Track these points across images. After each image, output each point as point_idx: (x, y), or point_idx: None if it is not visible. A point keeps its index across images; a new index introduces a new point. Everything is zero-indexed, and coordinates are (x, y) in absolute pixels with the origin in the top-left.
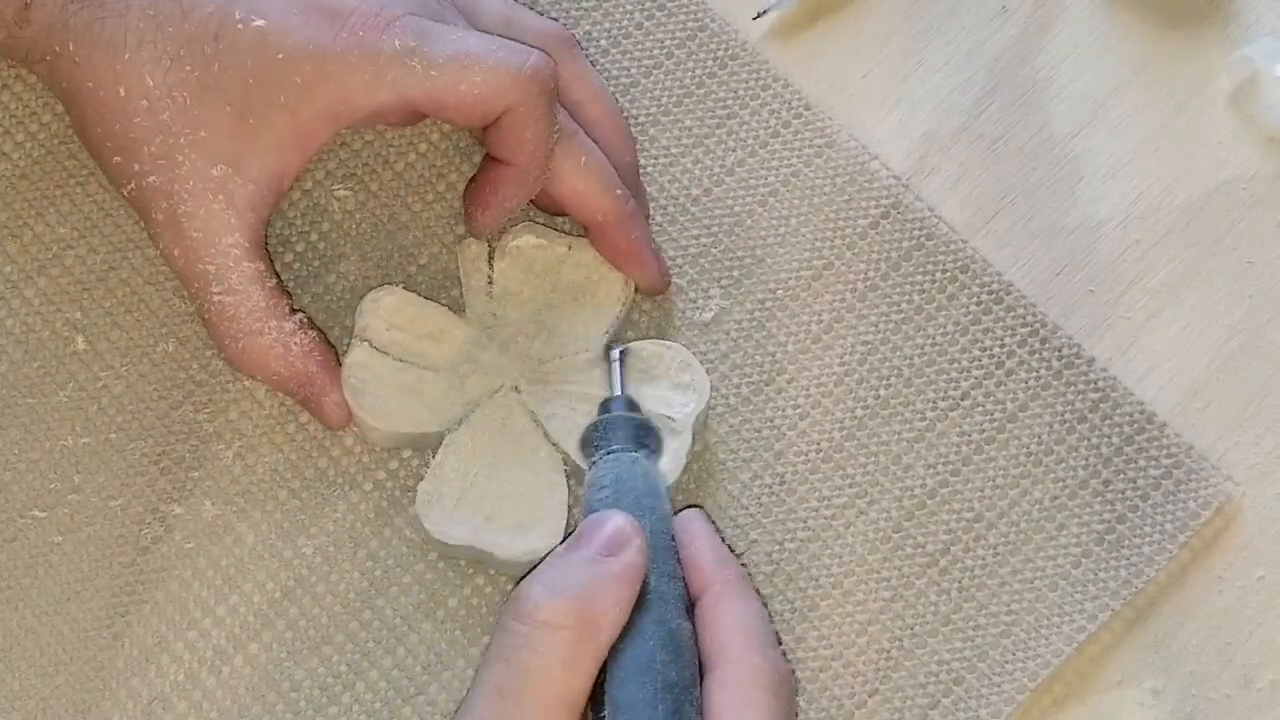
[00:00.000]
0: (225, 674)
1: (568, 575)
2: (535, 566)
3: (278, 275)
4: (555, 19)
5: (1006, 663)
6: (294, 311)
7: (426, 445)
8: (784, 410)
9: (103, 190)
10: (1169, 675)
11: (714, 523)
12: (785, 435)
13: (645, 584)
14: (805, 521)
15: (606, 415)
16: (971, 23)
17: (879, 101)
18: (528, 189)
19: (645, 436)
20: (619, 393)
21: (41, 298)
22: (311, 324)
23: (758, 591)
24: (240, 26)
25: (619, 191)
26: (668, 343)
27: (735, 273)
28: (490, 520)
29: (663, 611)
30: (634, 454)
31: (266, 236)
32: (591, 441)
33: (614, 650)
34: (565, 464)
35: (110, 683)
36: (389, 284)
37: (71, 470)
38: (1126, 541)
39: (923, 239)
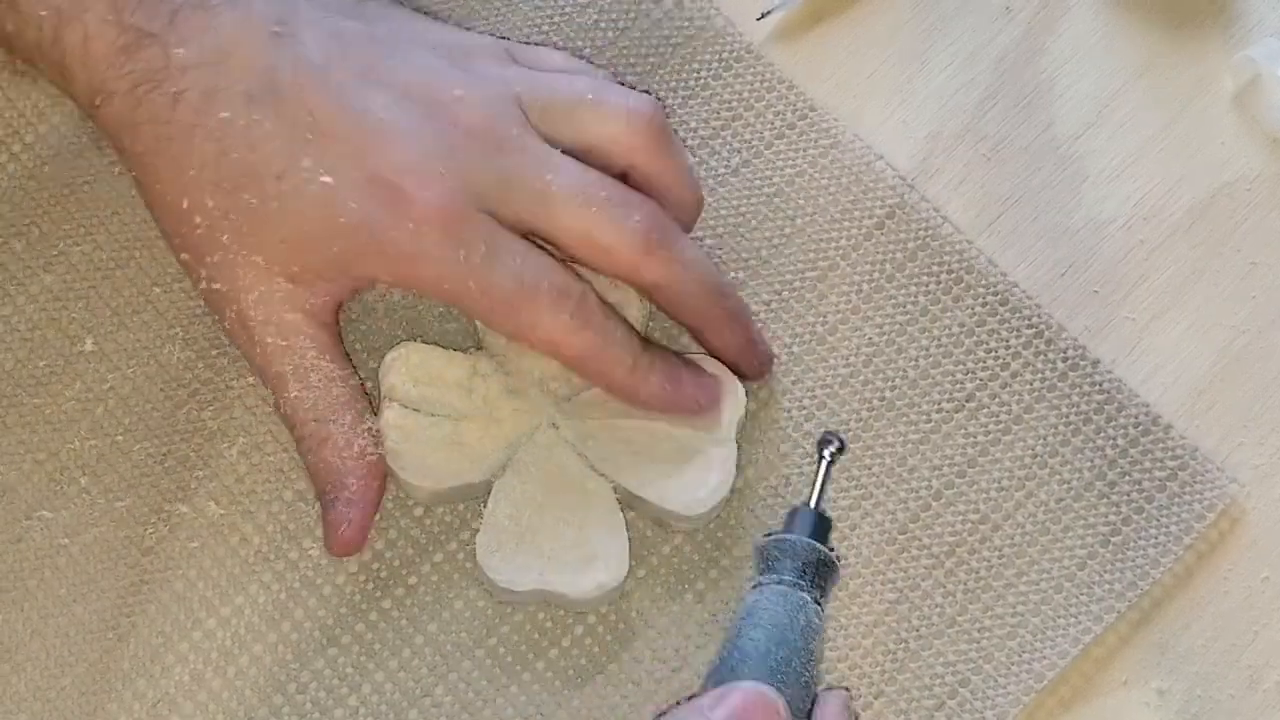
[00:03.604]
0: (231, 675)
1: None
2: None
3: (357, 373)
4: (554, 42)
5: (1012, 665)
6: (373, 417)
7: (473, 495)
8: (788, 411)
9: (109, 190)
10: (1175, 676)
11: (853, 711)
12: (790, 436)
13: None
14: None
15: (787, 538)
16: (975, 23)
17: (883, 102)
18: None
19: (821, 575)
20: (814, 503)
21: (48, 296)
22: (378, 444)
23: None
24: (306, 177)
25: (723, 292)
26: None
27: (740, 274)
28: (552, 560)
29: None
30: (804, 595)
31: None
32: (764, 556)
33: None
34: (615, 492)
35: (115, 684)
36: (408, 340)
37: (78, 471)
38: (1132, 544)
39: (927, 240)
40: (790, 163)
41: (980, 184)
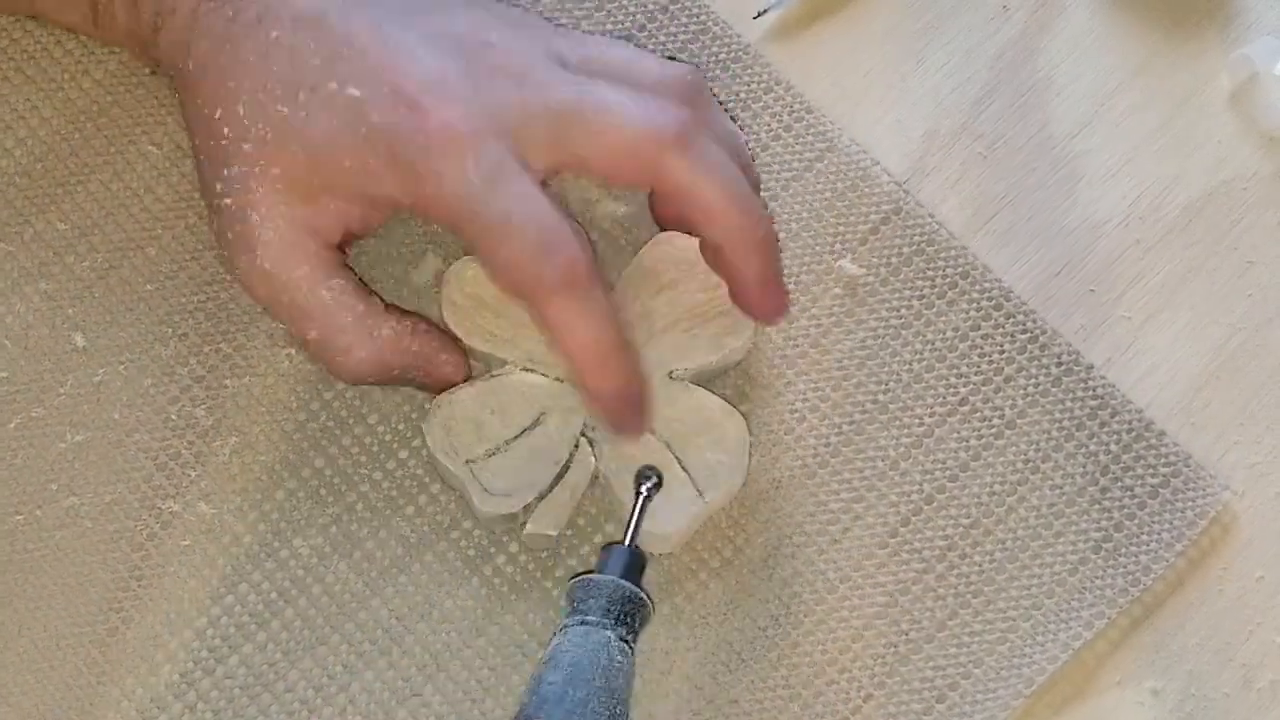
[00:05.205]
0: (220, 675)
1: None
2: None
3: (359, 279)
4: (561, 22)
5: (1002, 669)
6: (387, 308)
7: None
8: (781, 414)
9: (104, 188)
10: (1169, 675)
11: None
12: (782, 439)
13: None
14: (801, 526)
15: (592, 578)
16: (971, 22)
17: (879, 100)
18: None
19: (629, 614)
20: (628, 539)
21: (41, 295)
22: (403, 311)
23: None
24: (335, 89)
25: (752, 208)
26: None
27: None
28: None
29: None
30: (606, 634)
31: (345, 256)
32: (571, 598)
33: None
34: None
35: (104, 681)
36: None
37: (68, 467)
38: (1123, 550)
39: (923, 245)
40: (786, 166)
41: (976, 182)
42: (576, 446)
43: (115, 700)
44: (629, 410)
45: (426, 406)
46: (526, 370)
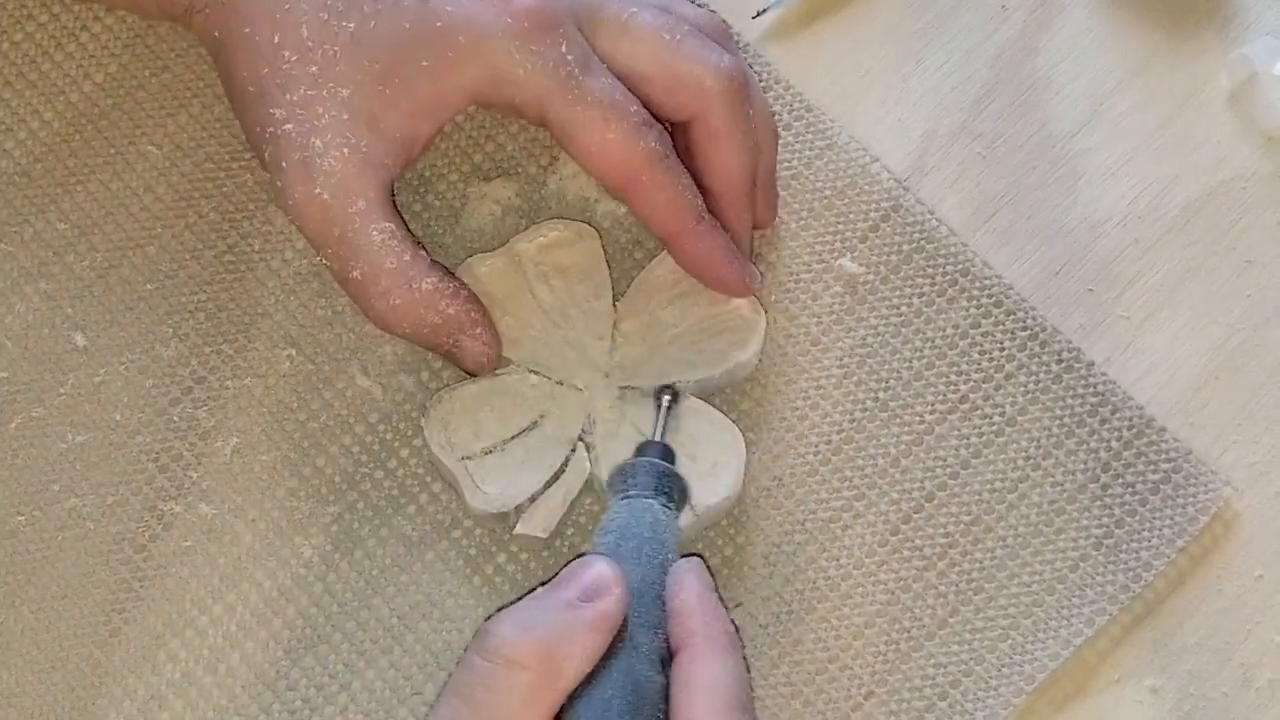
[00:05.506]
0: (222, 672)
1: (539, 615)
2: (508, 605)
3: (408, 229)
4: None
5: (1003, 666)
6: (432, 264)
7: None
8: (782, 412)
9: (103, 188)
10: (1168, 674)
11: (713, 576)
12: (783, 437)
13: (621, 632)
14: (803, 524)
15: (632, 460)
16: (971, 22)
17: (878, 100)
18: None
19: (668, 485)
20: (659, 437)
21: (41, 295)
22: (448, 271)
23: (745, 654)
24: None
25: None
26: (724, 421)
27: None
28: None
29: (632, 661)
30: (648, 501)
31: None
32: (613, 484)
33: (574, 695)
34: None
35: (107, 680)
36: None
37: (70, 467)
38: (1124, 546)
39: (923, 243)
40: (786, 164)
41: (975, 182)
42: (573, 451)
43: (117, 699)
44: (735, 260)
45: (427, 405)
46: (530, 371)
